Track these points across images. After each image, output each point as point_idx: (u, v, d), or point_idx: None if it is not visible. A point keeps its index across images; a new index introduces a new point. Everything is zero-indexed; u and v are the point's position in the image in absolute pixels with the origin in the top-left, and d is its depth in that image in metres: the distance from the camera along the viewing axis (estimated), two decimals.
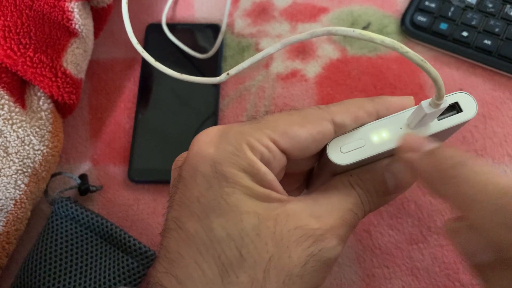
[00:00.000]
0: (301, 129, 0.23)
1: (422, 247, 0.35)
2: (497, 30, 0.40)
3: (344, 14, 0.44)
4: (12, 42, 0.33)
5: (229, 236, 0.21)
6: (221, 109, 0.41)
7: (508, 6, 0.41)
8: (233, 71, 0.25)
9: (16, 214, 0.33)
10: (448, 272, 0.34)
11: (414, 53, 0.20)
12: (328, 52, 0.42)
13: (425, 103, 0.22)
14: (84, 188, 0.37)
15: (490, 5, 0.41)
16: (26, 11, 0.34)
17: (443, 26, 0.41)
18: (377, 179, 0.24)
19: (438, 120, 0.24)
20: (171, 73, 0.28)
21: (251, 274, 0.20)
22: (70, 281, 0.33)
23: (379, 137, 0.24)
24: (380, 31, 0.43)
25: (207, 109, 0.40)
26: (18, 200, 0.33)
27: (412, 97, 0.26)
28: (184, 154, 0.25)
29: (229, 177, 0.22)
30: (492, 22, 0.40)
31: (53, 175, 0.37)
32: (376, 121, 0.24)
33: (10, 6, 0.33)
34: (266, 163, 0.23)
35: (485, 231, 0.20)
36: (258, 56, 0.24)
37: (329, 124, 0.24)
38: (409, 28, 0.42)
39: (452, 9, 0.41)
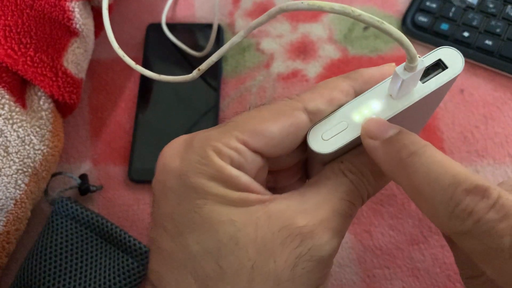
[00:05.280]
0: (272, 125, 0.22)
1: (423, 247, 0.35)
2: (498, 30, 0.40)
3: None
4: (13, 41, 0.33)
5: (206, 250, 0.20)
6: (221, 109, 0.41)
7: (509, 6, 0.41)
8: (203, 66, 0.24)
9: (16, 214, 0.33)
10: (449, 273, 0.34)
11: (369, 15, 0.18)
12: (329, 52, 0.42)
13: (399, 68, 0.20)
14: (84, 188, 0.37)
15: (491, 6, 0.41)
16: (27, 11, 0.34)
17: (444, 26, 0.41)
18: (371, 160, 0.22)
19: (423, 82, 0.22)
20: (150, 75, 0.28)
21: (234, 286, 0.20)
22: (70, 281, 0.33)
23: (361, 115, 0.22)
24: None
25: (207, 109, 0.40)
26: (19, 200, 0.33)
27: (393, 64, 0.24)
28: None
29: (198, 187, 0.21)
30: (493, 22, 0.40)
31: (53, 175, 0.37)
32: (355, 98, 0.23)
33: (11, 6, 0.33)
34: (238, 166, 0.21)
35: (434, 221, 0.20)
36: (225, 46, 0.23)
37: (301, 114, 0.22)
38: (410, 28, 0.42)
39: (453, 9, 0.41)
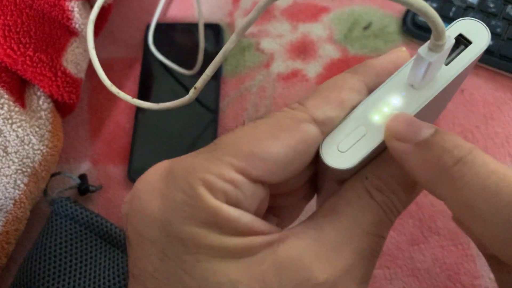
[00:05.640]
0: (274, 144, 0.17)
1: (423, 248, 0.35)
2: (498, 30, 0.40)
3: (345, 14, 0.43)
4: (12, 41, 0.33)
5: None
6: (221, 109, 0.41)
7: (510, 6, 0.41)
8: (199, 84, 0.22)
9: (15, 214, 0.33)
10: (449, 273, 0.34)
11: None
12: (329, 52, 0.42)
13: (422, 50, 0.17)
14: (84, 188, 0.37)
15: (491, 5, 0.41)
16: (26, 10, 0.34)
17: (445, 26, 0.41)
18: (402, 170, 0.18)
19: (446, 64, 0.18)
20: (147, 106, 0.26)
21: None
22: (69, 281, 0.33)
23: (381, 114, 0.18)
24: (381, 31, 0.43)
25: (207, 109, 0.40)
26: (18, 200, 0.33)
27: (403, 48, 0.21)
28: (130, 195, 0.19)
29: (186, 239, 0.16)
30: (493, 22, 0.40)
31: (53, 175, 0.37)
32: (370, 95, 0.19)
33: (10, 5, 0.33)
34: (235, 203, 0.17)
35: (493, 247, 0.17)
36: (219, 56, 0.20)
37: (310, 126, 0.18)
38: (411, 28, 0.42)
39: (453, 9, 0.41)
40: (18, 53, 0.33)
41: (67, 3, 0.35)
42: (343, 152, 0.18)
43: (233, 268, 0.16)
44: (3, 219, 0.32)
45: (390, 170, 0.19)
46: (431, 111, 0.21)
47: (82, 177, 0.38)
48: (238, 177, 0.17)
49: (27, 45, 0.33)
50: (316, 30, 0.43)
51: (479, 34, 0.18)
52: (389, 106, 0.18)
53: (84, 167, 0.39)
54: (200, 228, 0.16)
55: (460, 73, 0.18)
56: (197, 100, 0.41)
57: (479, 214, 0.16)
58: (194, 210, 0.16)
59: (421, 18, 0.42)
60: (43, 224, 0.36)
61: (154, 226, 0.17)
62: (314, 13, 0.44)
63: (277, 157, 0.17)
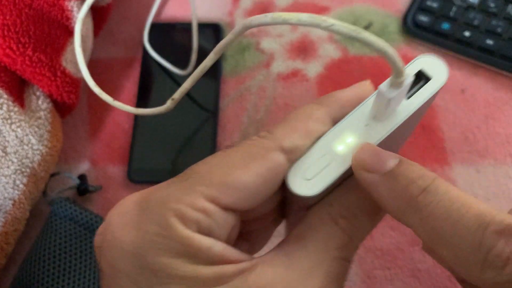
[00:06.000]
0: (244, 173, 0.18)
1: None
2: (499, 30, 0.40)
3: (346, 14, 0.43)
4: (11, 41, 0.33)
5: None
6: (221, 109, 0.40)
7: (510, 6, 0.41)
8: (177, 95, 0.22)
9: (14, 215, 0.33)
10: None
11: (344, 25, 0.15)
12: (329, 51, 0.42)
13: (384, 86, 0.18)
14: (83, 188, 0.37)
15: (492, 5, 0.41)
16: (25, 10, 0.34)
17: (445, 26, 0.41)
18: (364, 196, 0.19)
19: (407, 98, 0.19)
20: (128, 109, 0.26)
21: None
22: (69, 281, 0.32)
23: (345, 145, 0.19)
24: (381, 31, 0.42)
25: (207, 109, 0.40)
26: (17, 200, 0.33)
27: (368, 81, 0.22)
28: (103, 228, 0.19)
29: (159, 270, 0.16)
30: (494, 22, 0.40)
31: (52, 175, 0.37)
32: (335, 126, 0.20)
33: (10, 5, 0.33)
34: (208, 232, 0.17)
35: (462, 272, 0.17)
36: (197, 72, 0.21)
37: (278, 154, 0.19)
38: (411, 28, 0.42)
39: (454, 8, 0.41)
40: (17, 53, 0.33)
41: (66, 3, 0.35)
42: (308, 180, 0.19)
43: None
44: (2, 219, 0.32)
45: (353, 197, 0.19)
46: (394, 141, 0.22)
47: (82, 177, 0.38)
48: (210, 206, 0.17)
49: (26, 45, 0.33)
50: (316, 29, 0.43)
51: (438, 70, 0.19)
52: (352, 136, 0.19)
53: (84, 167, 0.39)
54: (172, 258, 0.16)
55: (420, 106, 0.19)
56: (197, 100, 0.41)
57: (446, 240, 0.17)
58: (167, 241, 0.17)
59: (421, 18, 0.41)
60: (43, 224, 0.36)
61: (127, 259, 0.17)
62: (314, 13, 0.44)
63: (247, 185, 0.18)
